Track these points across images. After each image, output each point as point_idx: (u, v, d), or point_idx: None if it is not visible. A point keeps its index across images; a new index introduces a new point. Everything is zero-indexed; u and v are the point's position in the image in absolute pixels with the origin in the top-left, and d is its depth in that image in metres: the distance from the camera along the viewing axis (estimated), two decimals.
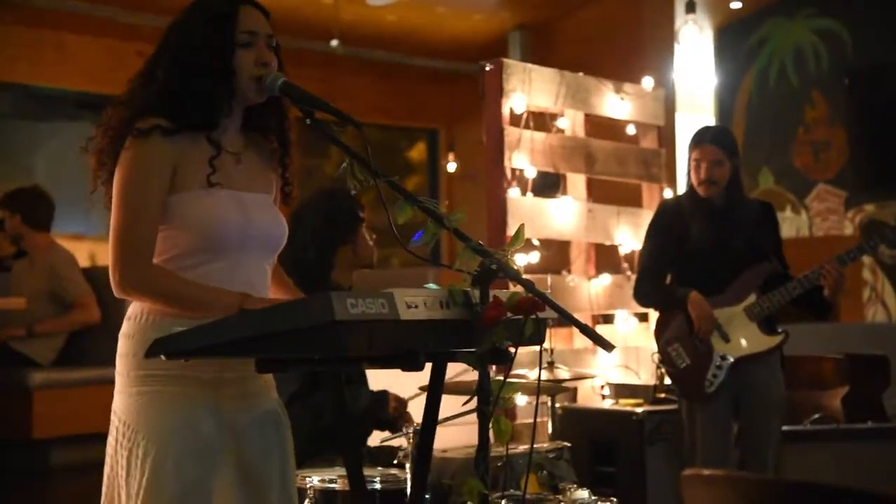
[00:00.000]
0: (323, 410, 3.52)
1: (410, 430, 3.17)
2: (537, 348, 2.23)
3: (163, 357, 2.09)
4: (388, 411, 3.79)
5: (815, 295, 4.17)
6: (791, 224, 8.08)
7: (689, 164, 4.33)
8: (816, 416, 4.85)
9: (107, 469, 2.30)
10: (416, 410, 3.32)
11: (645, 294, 4.47)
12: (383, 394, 3.81)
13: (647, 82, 5.74)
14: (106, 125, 2.32)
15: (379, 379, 3.79)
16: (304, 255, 3.73)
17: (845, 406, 5.06)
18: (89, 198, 2.36)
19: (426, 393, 3.52)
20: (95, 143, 2.33)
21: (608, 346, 2.18)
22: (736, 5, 7.93)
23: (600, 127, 5.56)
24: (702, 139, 4.30)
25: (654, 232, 4.46)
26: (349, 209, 3.79)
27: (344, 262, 3.78)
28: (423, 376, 2.23)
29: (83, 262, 6.58)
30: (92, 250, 7.60)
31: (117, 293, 2.25)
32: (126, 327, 2.32)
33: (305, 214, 3.81)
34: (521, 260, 4.83)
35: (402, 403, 3.84)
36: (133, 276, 2.22)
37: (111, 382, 2.34)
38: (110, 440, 2.30)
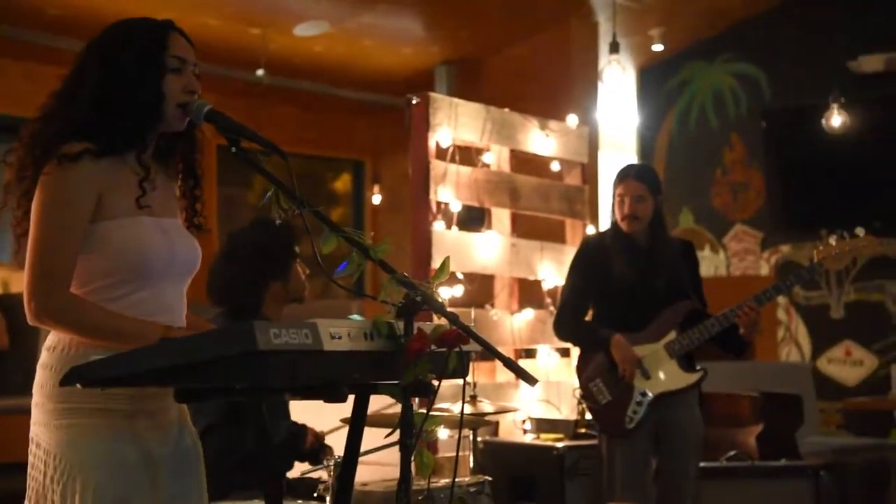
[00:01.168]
0: (240, 442, 3.47)
1: (331, 462, 3.14)
2: (460, 381, 2.22)
3: (78, 386, 2.04)
4: (306, 446, 3.75)
5: (732, 333, 4.24)
6: (710, 263, 8.22)
7: (612, 200, 4.39)
8: (732, 452, 4.91)
9: (31, 501, 2.23)
10: (337, 443, 3.30)
11: (565, 330, 4.50)
12: (301, 427, 3.77)
13: (572, 120, 5.81)
14: (27, 140, 2.26)
15: (302, 408, 3.75)
16: (235, 286, 3.69)
17: (760, 443, 5.14)
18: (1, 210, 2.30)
19: (347, 426, 3.51)
20: (15, 156, 2.26)
21: (531, 380, 2.18)
22: (658, 48, 8.08)
23: (525, 163, 5.62)
24: (626, 175, 4.36)
25: (577, 268, 4.50)
26: (286, 244, 3.74)
27: (274, 297, 3.73)
28: (346, 408, 2.21)
29: None
30: (6, 278, 7.42)
31: (32, 321, 2.20)
32: (45, 357, 2.26)
33: (241, 244, 3.76)
34: (445, 293, 4.84)
35: (319, 438, 3.81)
36: (49, 304, 2.17)
37: (26, 412, 2.28)
38: (35, 475, 2.23)
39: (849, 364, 7.63)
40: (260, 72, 8.00)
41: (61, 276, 2.18)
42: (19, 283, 2.22)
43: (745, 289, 4.42)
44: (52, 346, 2.25)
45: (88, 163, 2.20)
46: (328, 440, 3.82)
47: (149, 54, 2.27)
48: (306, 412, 3.79)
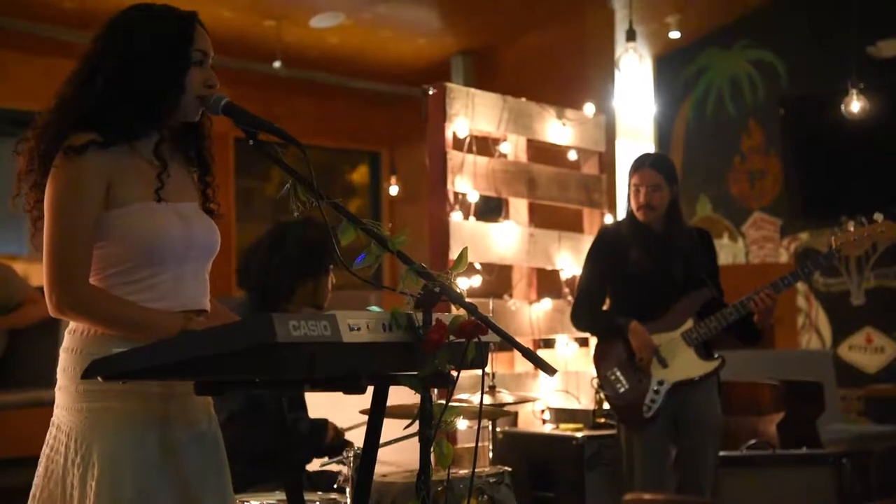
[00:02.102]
0: (261, 433, 3.48)
1: (351, 453, 3.15)
2: (479, 372, 2.22)
3: (99, 379, 2.05)
4: (327, 440, 3.76)
5: (747, 321, 4.22)
6: (728, 251, 8.19)
7: (628, 190, 4.37)
8: (753, 441, 4.90)
9: (46, 482, 2.24)
10: (356, 435, 3.30)
11: (583, 319, 4.50)
12: (323, 422, 3.78)
13: (589, 109, 5.79)
14: (39, 129, 2.26)
15: (320, 400, 3.76)
16: (272, 274, 3.70)
17: (781, 432, 5.13)
18: (12, 201, 2.30)
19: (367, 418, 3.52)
20: (27, 145, 2.27)
21: (550, 371, 2.18)
22: (675, 35, 8.04)
23: (542, 152, 5.60)
24: (641, 164, 4.34)
25: (594, 257, 4.49)
26: (330, 250, 3.74)
27: (302, 295, 3.75)
28: (365, 399, 2.21)
29: None
30: (26, 270, 7.45)
31: (54, 313, 2.21)
32: (68, 341, 2.27)
33: (291, 236, 3.78)
34: (462, 284, 4.84)
35: (340, 434, 3.81)
36: (69, 297, 2.18)
37: (42, 405, 2.29)
38: (54, 457, 2.24)
39: (870, 351, 7.60)
40: (276, 64, 8.02)
41: (79, 269, 2.19)
42: (39, 276, 2.24)
43: (764, 277, 4.40)
44: (74, 328, 2.26)
45: (95, 153, 2.20)
46: (348, 436, 3.82)
47: (176, 46, 2.26)
48: (327, 408, 3.81)
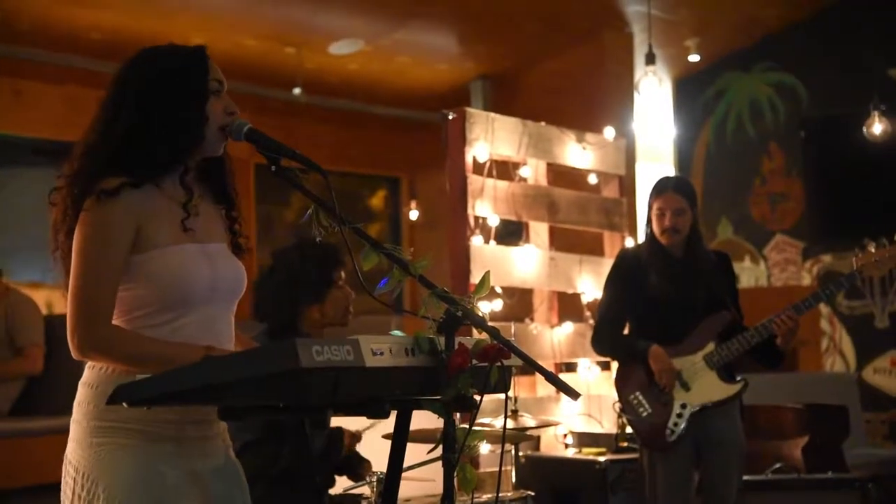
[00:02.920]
0: (277, 457, 3.48)
1: (374, 478, 3.14)
2: (502, 396, 2.22)
3: (125, 405, 2.06)
4: (343, 450, 3.74)
5: (769, 344, 4.20)
6: (750, 274, 8.16)
7: (649, 214, 4.36)
8: (777, 465, 4.86)
9: None
10: (378, 454, 3.29)
11: (604, 344, 4.48)
12: (337, 430, 3.75)
13: (609, 132, 5.80)
14: (68, 178, 2.28)
15: (343, 425, 3.76)
16: (271, 306, 3.70)
17: (805, 456, 5.09)
18: (53, 253, 2.31)
19: (382, 433, 3.50)
20: (61, 195, 2.28)
21: (574, 394, 2.17)
22: (694, 58, 8.05)
23: (562, 176, 5.61)
24: (664, 188, 4.33)
25: (614, 281, 4.48)
26: (319, 272, 3.71)
27: (311, 320, 3.72)
28: (388, 424, 2.21)
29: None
30: (49, 298, 7.50)
31: (76, 356, 2.21)
32: (88, 375, 2.28)
33: (279, 264, 3.77)
34: (484, 308, 4.83)
35: (355, 438, 3.79)
36: (90, 338, 2.18)
37: (69, 432, 2.30)
38: (66, 490, 2.25)
39: (894, 374, 7.53)
40: (296, 90, 8.07)
41: (103, 310, 2.20)
42: (63, 303, 2.25)
43: (786, 300, 4.37)
44: (94, 363, 2.27)
45: (126, 196, 2.21)
46: (365, 442, 3.80)
47: (194, 79, 2.29)
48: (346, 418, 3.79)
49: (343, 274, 3.74)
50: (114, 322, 2.23)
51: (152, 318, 2.24)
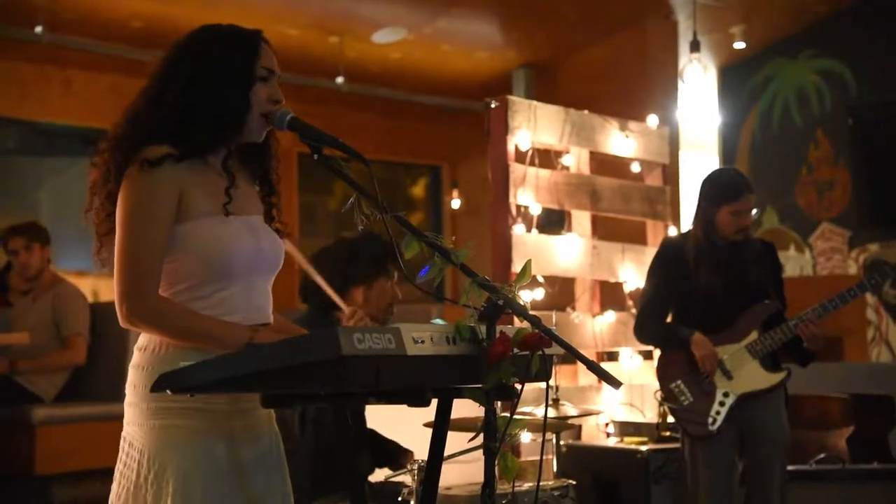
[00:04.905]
0: (322, 446, 3.50)
1: (415, 466, 3.15)
2: (543, 385, 2.21)
3: (168, 392, 2.08)
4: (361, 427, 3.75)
5: (797, 343, 4.19)
6: (795, 263, 8.08)
7: (715, 211, 4.25)
8: (822, 455, 4.81)
9: (120, 498, 2.27)
10: (419, 443, 3.30)
11: (646, 332, 4.46)
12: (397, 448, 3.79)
13: (652, 120, 5.76)
14: (113, 143, 2.30)
15: (384, 413, 3.77)
16: (325, 277, 3.73)
17: (850, 446, 5.03)
18: (84, 216, 2.34)
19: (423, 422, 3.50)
20: (101, 158, 2.31)
21: (616, 383, 2.16)
22: (739, 45, 7.97)
23: (605, 164, 5.58)
24: (746, 189, 4.26)
25: (657, 270, 4.45)
26: (375, 254, 3.77)
27: (353, 304, 3.74)
28: (429, 412, 2.21)
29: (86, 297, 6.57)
30: (95, 286, 7.60)
31: (124, 324, 2.24)
32: (137, 358, 2.30)
33: (336, 245, 3.84)
34: (525, 296, 4.83)
35: (410, 454, 3.81)
36: (140, 307, 2.21)
37: (114, 418, 2.32)
38: (127, 473, 2.26)
39: None
40: (339, 79, 8.09)
41: (150, 280, 2.22)
42: (108, 291, 2.27)
43: (832, 289, 4.32)
44: (143, 346, 2.30)
45: (169, 166, 2.23)
46: (407, 432, 3.81)
47: (242, 63, 2.30)
48: (388, 419, 3.81)
49: (396, 274, 3.79)
50: (168, 298, 2.25)
51: (198, 290, 2.26)
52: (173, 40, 2.37)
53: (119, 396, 2.34)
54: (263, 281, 2.36)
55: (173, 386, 2.07)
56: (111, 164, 2.29)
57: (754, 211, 4.30)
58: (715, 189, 4.29)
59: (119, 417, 2.34)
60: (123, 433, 2.30)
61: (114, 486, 2.30)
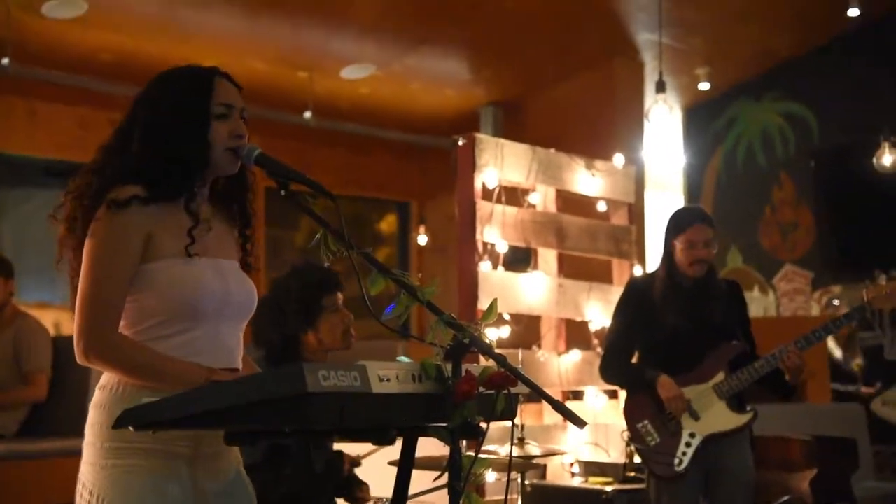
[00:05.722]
0: (277, 482, 3.46)
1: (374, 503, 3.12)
2: (508, 424, 2.20)
3: (131, 429, 2.05)
4: (343, 472, 3.72)
5: (779, 376, 4.19)
6: (759, 304, 8.13)
7: (670, 245, 4.30)
8: (785, 498, 4.83)
9: None
10: (380, 480, 3.28)
11: (612, 372, 4.45)
12: (338, 454, 3.73)
13: (618, 159, 5.80)
14: (76, 193, 2.29)
15: (348, 450, 3.74)
16: (268, 333, 3.67)
17: (814, 488, 5.04)
18: (56, 265, 2.33)
19: (388, 461, 3.47)
20: (65, 210, 2.30)
21: (580, 423, 2.16)
22: (704, 86, 8.06)
23: (571, 203, 5.60)
24: (694, 219, 4.29)
25: (623, 309, 4.46)
26: (304, 299, 3.64)
27: (308, 346, 3.69)
28: (394, 450, 2.20)
29: (48, 330, 6.48)
30: (57, 318, 7.51)
31: (81, 361, 2.22)
32: (98, 397, 2.28)
33: (273, 292, 3.74)
34: (491, 334, 4.82)
35: (354, 464, 3.77)
36: (97, 344, 2.19)
37: (76, 453, 2.29)
38: None
39: None
40: (307, 114, 8.10)
41: (109, 316, 2.20)
42: (71, 324, 2.25)
43: (795, 330, 4.35)
44: (105, 385, 2.27)
45: (137, 208, 2.22)
46: (368, 467, 3.78)
47: (194, 102, 2.29)
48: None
49: (339, 297, 3.71)
50: (124, 334, 2.23)
51: (162, 329, 2.24)
52: (141, 73, 2.37)
53: (80, 431, 2.31)
54: (233, 326, 2.34)
55: (135, 422, 2.04)
56: (76, 213, 2.28)
57: (713, 245, 4.27)
58: (670, 223, 4.35)
59: (80, 452, 2.31)
60: (79, 473, 2.27)
61: None
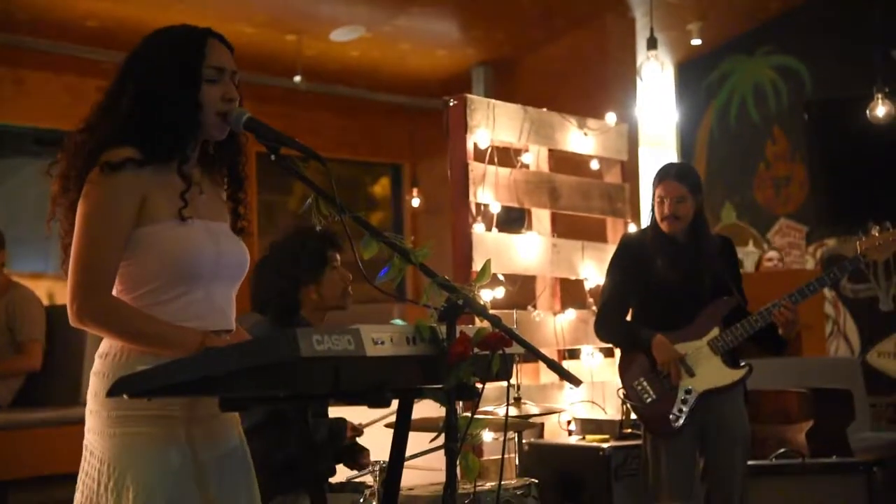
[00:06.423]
0: (283, 443, 3.47)
1: (377, 467, 3.13)
2: (504, 384, 2.21)
3: (125, 396, 2.05)
4: (345, 441, 3.73)
5: (771, 331, 4.19)
6: (753, 259, 8.13)
7: (652, 200, 4.35)
8: (781, 450, 4.85)
9: None
10: (380, 444, 3.29)
11: (607, 330, 4.46)
12: (341, 421, 3.75)
13: (611, 118, 5.78)
14: (71, 152, 2.28)
15: (345, 414, 3.75)
16: (270, 292, 3.69)
17: (810, 440, 5.07)
18: (48, 225, 2.31)
19: (384, 423, 3.49)
20: (59, 168, 2.29)
21: (576, 381, 2.16)
22: (696, 42, 8.02)
23: (564, 162, 5.59)
24: (665, 175, 4.31)
25: (617, 266, 4.46)
26: (315, 250, 3.72)
27: (310, 303, 3.71)
28: (390, 412, 2.20)
29: (42, 300, 6.48)
30: (50, 288, 7.50)
31: (73, 322, 2.21)
32: (98, 365, 2.28)
33: (275, 250, 3.77)
34: (486, 295, 4.82)
35: (357, 432, 3.79)
36: (91, 306, 2.18)
37: (71, 422, 2.29)
38: (88, 482, 2.24)
39: None
40: (297, 78, 8.05)
41: (104, 280, 2.20)
42: (64, 294, 2.24)
43: (790, 284, 4.36)
44: (104, 353, 2.27)
45: (131, 170, 2.21)
46: (367, 433, 3.79)
47: (185, 66, 2.27)
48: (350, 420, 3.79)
49: (339, 256, 3.74)
50: (122, 299, 2.23)
51: (159, 294, 2.23)
52: (128, 40, 2.35)
53: (75, 400, 2.31)
54: (226, 287, 2.34)
55: (129, 390, 2.04)
56: (70, 172, 2.26)
57: (686, 202, 4.25)
58: (654, 178, 4.36)
59: (76, 421, 2.31)
60: (85, 441, 2.28)
61: (76, 495, 2.28)
